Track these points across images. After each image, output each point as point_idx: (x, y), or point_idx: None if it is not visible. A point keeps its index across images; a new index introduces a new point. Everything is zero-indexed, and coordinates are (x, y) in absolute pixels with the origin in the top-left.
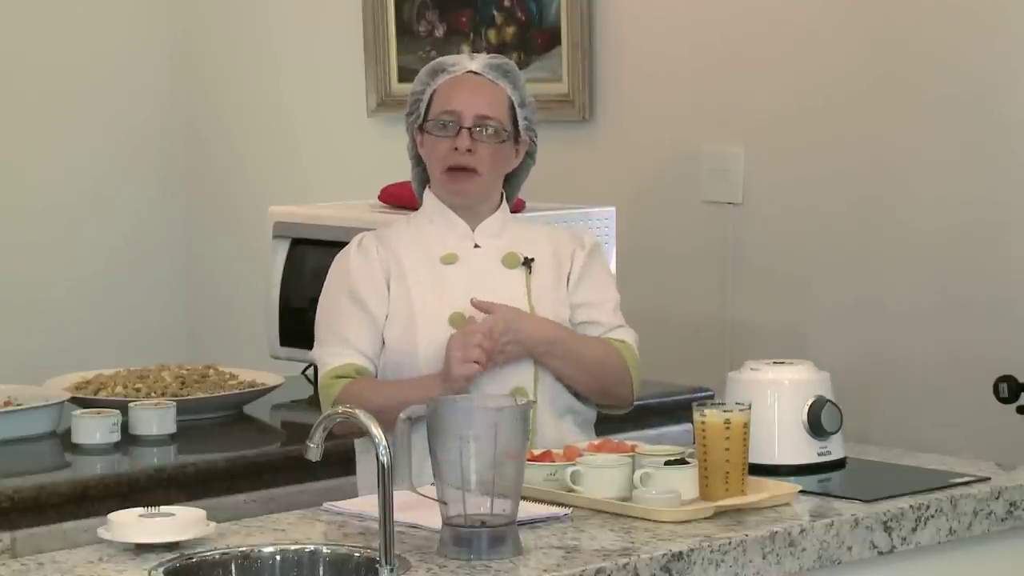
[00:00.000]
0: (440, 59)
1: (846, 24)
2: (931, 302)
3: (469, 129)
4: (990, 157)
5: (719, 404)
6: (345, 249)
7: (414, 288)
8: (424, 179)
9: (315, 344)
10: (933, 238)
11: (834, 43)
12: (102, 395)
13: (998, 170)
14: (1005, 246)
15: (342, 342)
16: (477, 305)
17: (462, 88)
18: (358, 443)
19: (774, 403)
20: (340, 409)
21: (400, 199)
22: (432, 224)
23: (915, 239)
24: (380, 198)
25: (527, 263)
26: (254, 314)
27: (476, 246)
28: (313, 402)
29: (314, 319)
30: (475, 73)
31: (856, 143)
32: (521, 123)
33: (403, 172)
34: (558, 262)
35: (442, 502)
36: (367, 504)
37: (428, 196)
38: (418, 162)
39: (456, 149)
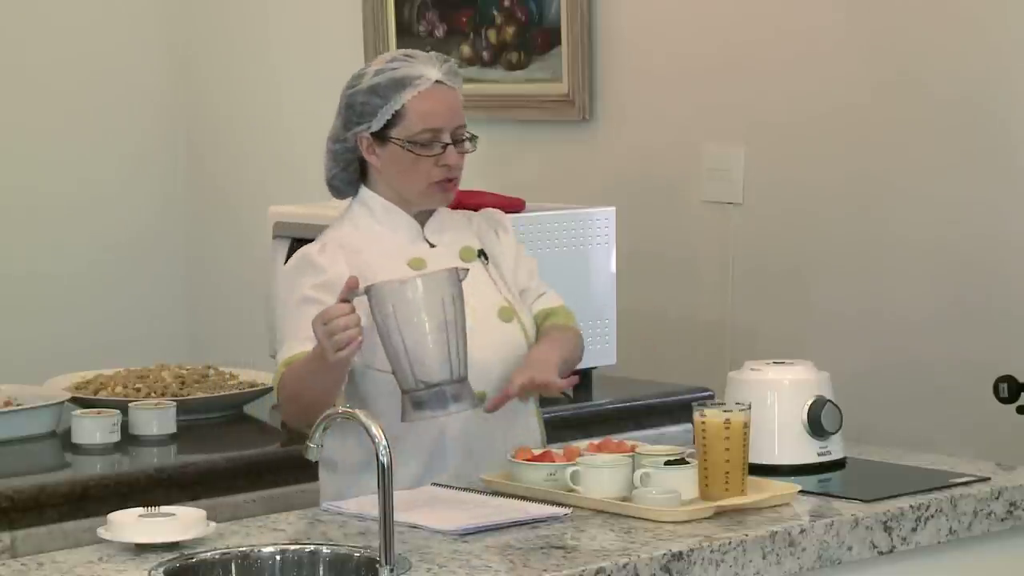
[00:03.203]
0: (399, 70)
1: (847, 26)
2: (931, 302)
3: (452, 143)
4: (990, 159)
5: (719, 404)
6: (300, 255)
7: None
8: (353, 179)
9: (277, 347)
10: (933, 239)
11: (835, 45)
12: (102, 395)
13: (997, 172)
14: (1005, 247)
15: (298, 339)
16: (511, 396)
17: (437, 103)
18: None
19: (774, 403)
20: (340, 409)
21: None
22: (382, 226)
23: (915, 239)
24: None
25: (481, 255)
26: (254, 314)
27: (432, 245)
28: None
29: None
30: (439, 82)
31: (856, 144)
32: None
33: None
34: (489, 246)
35: (395, 375)
36: (367, 504)
37: (372, 196)
38: (347, 163)
39: (445, 165)
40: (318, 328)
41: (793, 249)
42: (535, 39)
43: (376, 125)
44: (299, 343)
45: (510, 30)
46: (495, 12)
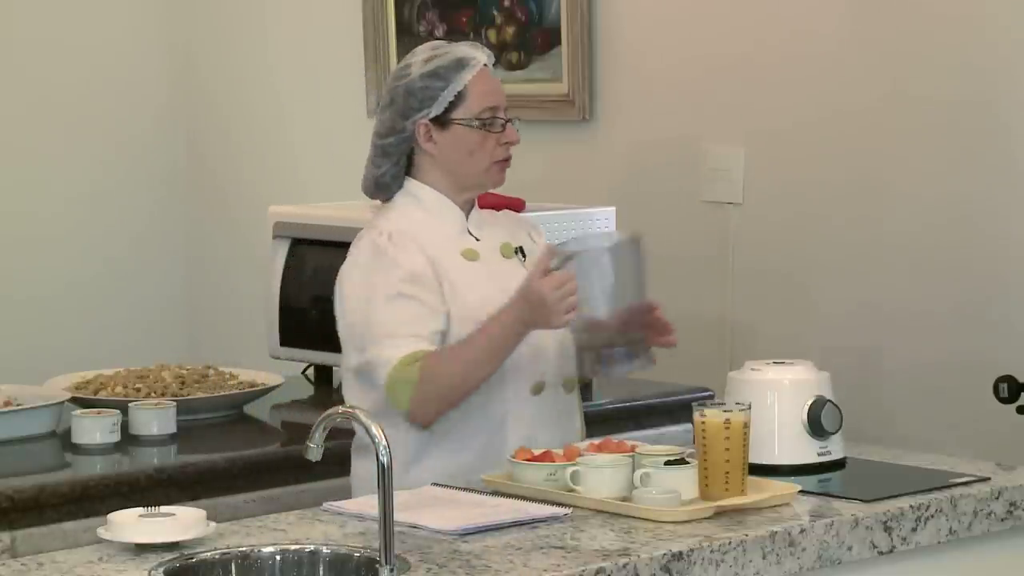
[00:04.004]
0: (452, 53)
1: (847, 27)
2: (931, 302)
3: (509, 121)
4: (990, 160)
5: (719, 404)
6: (372, 249)
7: (459, 283)
8: (399, 173)
9: (366, 347)
10: (933, 238)
11: (835, 46)
12: (102, 395)
13: (997, 173)
14: (1005, 247)
15: (401, 335)
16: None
17: (491, 82)
18: (357, 445)
19: (774, 403)
20: (340, 409)
21: None
22: (433, 217)
23: (915, 239)
24: None
25: (518, 252)
26: (254, 314)
27: (477, 239)
28: (313, 402)
29: (314, 319)
30: (487, 65)
31: (856, 144)
32: None
33: None
34: (526, 246)
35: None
36: (367, 504)
37: (421, 187)
38: (399, 157)
39: (507, 143)
40: (550, 293)
41: (793, 249)
42: (535, 39)
43: (437, 109)
44: (404, 341)
45: (510, 30)
46: (495, 12)
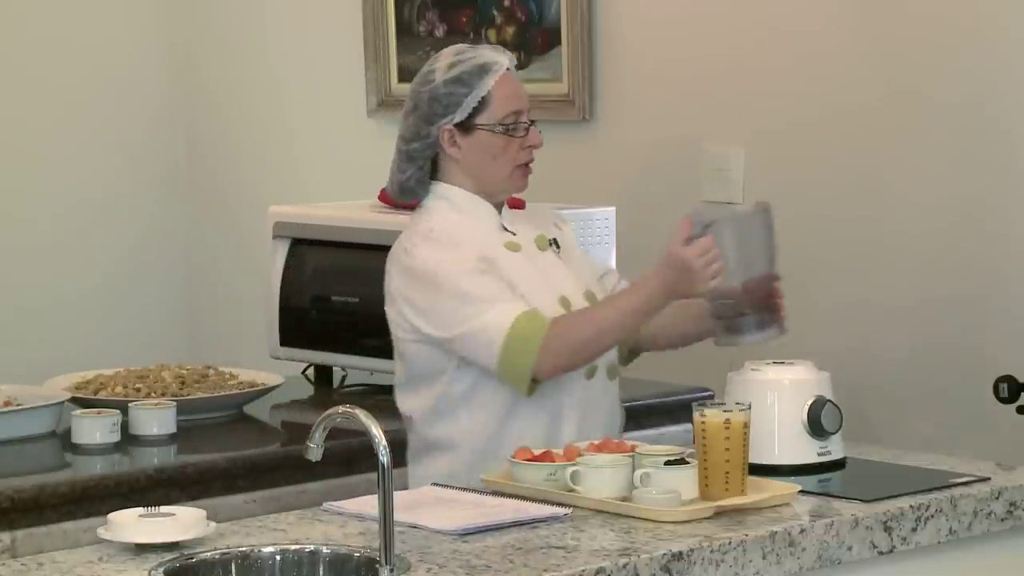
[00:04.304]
0: (475, 59)
1: (847, 26)
2: (931, 302)
3: (532, 124)
4: (990, 160)
5: (719, 404)
6: (419, 238)
7: (510, 273)
8: (424, 178)
9: (467, 317)
10: (934, 239)
11: (835, 45)
12: (102, 395)
13: (997, 173)
14: (1005, 247)
15: (502, 300)
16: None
17: (514, 86)
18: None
19: (774, 403)
20: (340, 409)
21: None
22: (467, 216)
23: (915, 239)
24: (380, 198)
25: (552, 243)
26: (254, 314)
27: (513, 233)
28: (313, 402)
29: (314, 319)
30: (509, 69)
31: (856, 144)
32: None
33: None
34: (558, 237)
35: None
36: (367, 504)
37: (450, 189)
38: (423, 162)
39: (529, 147)
40: (695, 259)
41: (793, 249)
42: (535, 39)
43: (460, 115)
44: (509, 304)
45: (510, 30)
46: (495, 12)
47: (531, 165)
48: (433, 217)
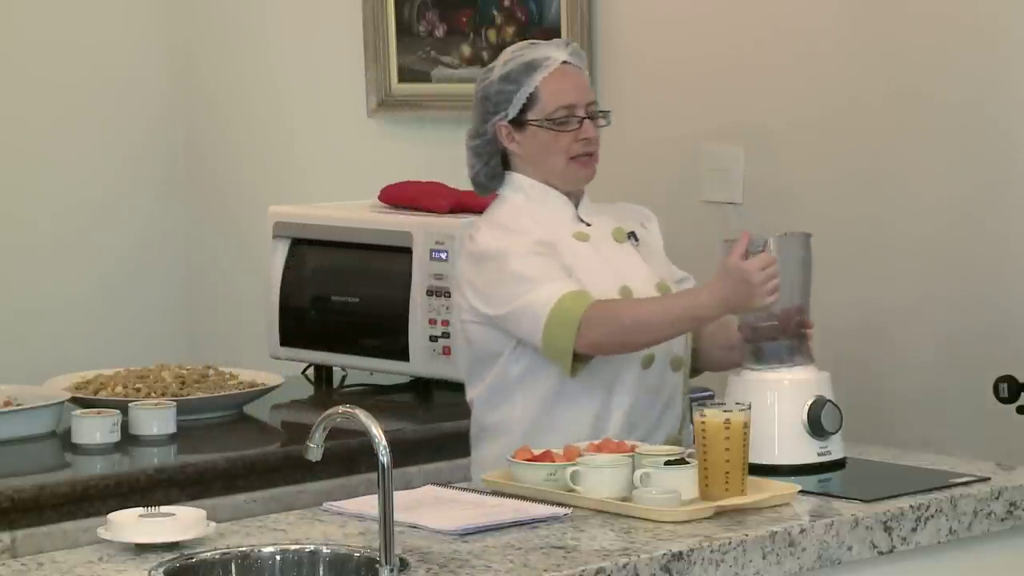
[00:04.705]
0: (525, 56)
1: (847, 26)
2: (931, 302)
3: (587, 118)
4: (990, 160)
5: (719, 404)
6: (487, 227)
7: (573, 261)
8: (496, 172)
9: (518, 295)
10: (933, 239)
11: (835, 45)
12: (102, 395)
13: (998, 173)
14: (1005, 247)
15: (551, 279)
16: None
17: (566, 81)
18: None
19: (774, 403)
20: (340, 409)
21: (400, 199)
22: (540, 205)
23: (915, 240)
24: (380, 198)
25: (631, 236)
26: (254, 314)
27: (588, 224)
28: (313, 402)
29: (314, 319)
30: (566, 63)
31: (856, 144)
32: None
33: (403, 172)
34: (639, 233)
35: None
36: (367, 504)
37: (522, 179)
38: (489, 157)
39: (584, 139)
40: (755, 273)
41: None
42: (535, 39)
43: (512, 112)
44: (557, 284)
45: (510, 30)
46: (495, 12)
47: (596, 154)
48: (503, 206)
